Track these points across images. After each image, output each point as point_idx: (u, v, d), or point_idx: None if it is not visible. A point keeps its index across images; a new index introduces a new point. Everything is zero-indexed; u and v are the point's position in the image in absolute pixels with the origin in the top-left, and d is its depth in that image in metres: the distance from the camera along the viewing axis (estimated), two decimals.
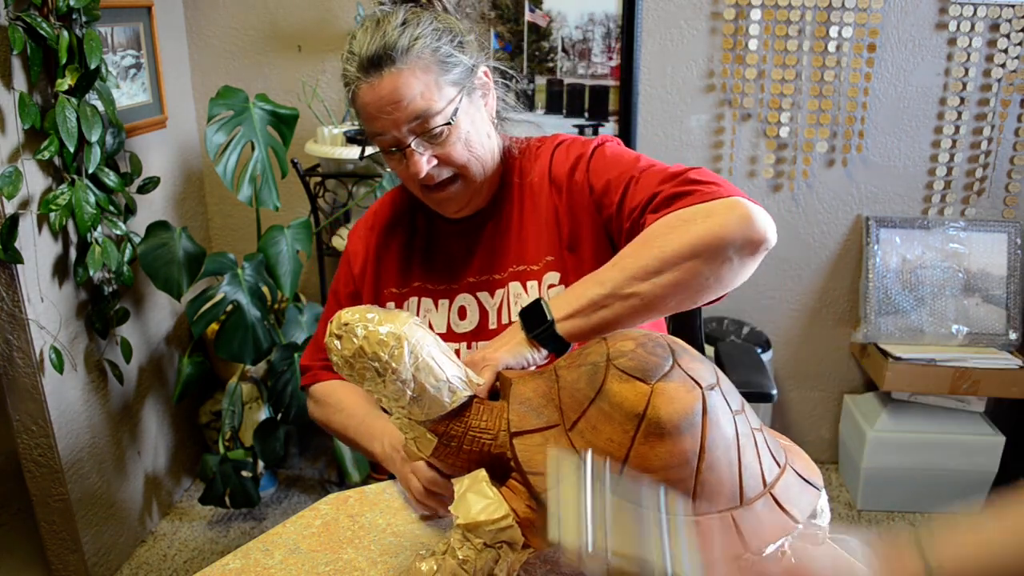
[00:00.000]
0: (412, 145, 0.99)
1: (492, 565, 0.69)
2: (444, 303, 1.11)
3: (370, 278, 1.17)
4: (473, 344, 1.07)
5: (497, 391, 0.81)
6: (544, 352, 0.86)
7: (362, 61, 0.96)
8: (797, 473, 0.75)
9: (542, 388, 0.74)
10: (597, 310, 0.84)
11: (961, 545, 0.65)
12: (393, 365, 0.68)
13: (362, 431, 1.09)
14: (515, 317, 0.99)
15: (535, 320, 0.85)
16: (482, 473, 0.72)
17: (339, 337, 0.70)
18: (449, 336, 1.08)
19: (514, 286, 1.07)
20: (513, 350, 0.84)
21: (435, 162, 1.01)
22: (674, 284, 0.84)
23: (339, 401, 1.15)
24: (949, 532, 0.66)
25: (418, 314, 1.11)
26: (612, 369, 0.70)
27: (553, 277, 1.05)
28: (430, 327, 1.08)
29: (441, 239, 1.14)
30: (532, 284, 1.06)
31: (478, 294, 1.10)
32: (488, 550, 0.68)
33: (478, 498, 0.69)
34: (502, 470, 0.73)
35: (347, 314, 0.70)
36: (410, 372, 0.69)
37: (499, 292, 1.08)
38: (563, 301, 0.86)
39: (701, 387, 0.70)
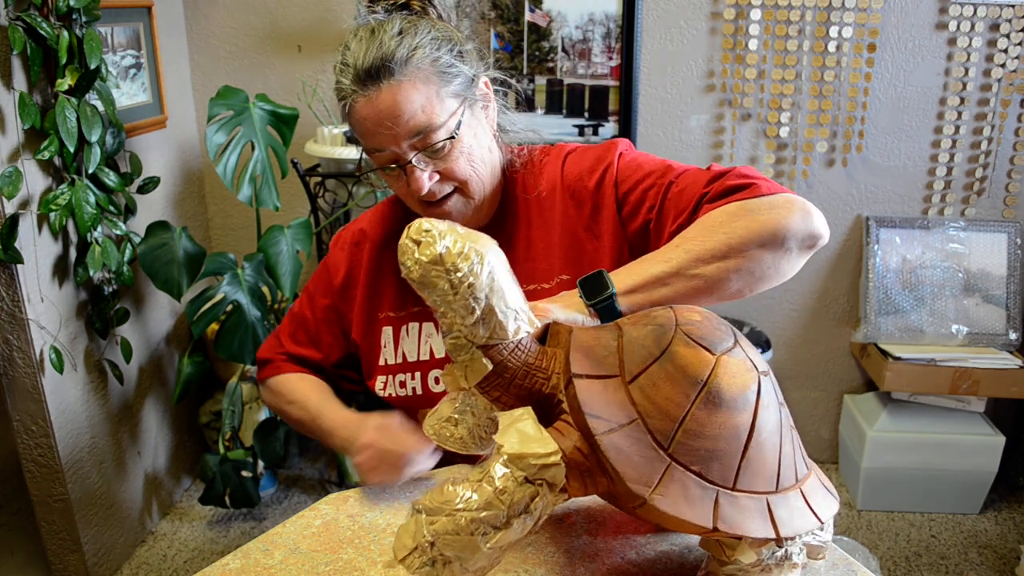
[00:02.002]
0: (413, 161, 0.95)
1: (528, 502, 0.66)
2: None
3: (360, 299, 1.12)
4: None
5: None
6: (596, 323, 0.84)
7: (358, 73, 0.92)
8: (819, 479, 0.78)
9: (604, 339, 0.74)
10: (659, 287, 0.83)
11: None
12: (471, 280, 0.67)
13: (315, 428, 1.10)
14: None
15: (595, 290, 0.83)
16: (530, 410, 0.70)
17: (418, 243, 0.67)
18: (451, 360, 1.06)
19: None
20: (567, 309, 0.82)
21: (436, 178, 0.97)
22: (738, 270, 0.84)
23: (291, 392, 1.14)
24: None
25: (420, 340, 1.08)
26: (680, 333, 0.71)
27: None
28: (431, 353, 1.07)
29: None
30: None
31: None
32: (528, 485, 0.66)
33: (527, 431, 0.68)
34: (547, 413, 0.73)
35: (428, 222, 0.68)
36: (485, 291, 0.68)
37: None
38: (624, 274, 0.84)
39: (757, 370, 0.72)
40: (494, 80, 1.06)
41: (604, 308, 0.82)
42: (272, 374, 1.18)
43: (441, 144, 0.95)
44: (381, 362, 1.11)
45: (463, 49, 0.99)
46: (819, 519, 0.72)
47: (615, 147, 1.05)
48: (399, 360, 1.09)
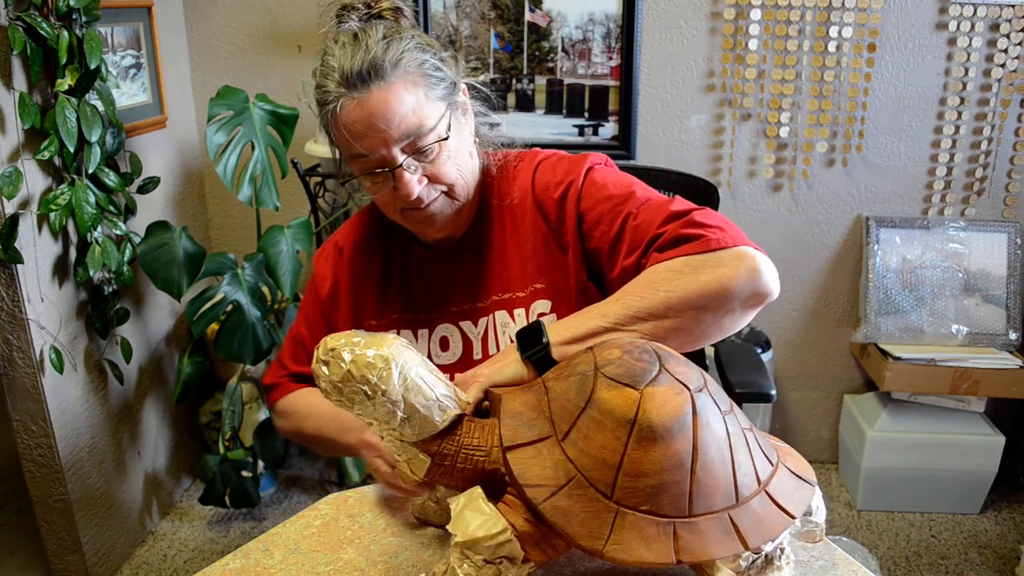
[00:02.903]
0: (403, 164, 0.94)
1: None
2: (424, 334, 1.07)
3: (345, 308, 1.12)
4: (456, 376, 1.04)
5: (486, 411, 0.81)
6: (536, 375, 0.84)
7: (346, 75, 0.91)
8: (790, 470, 0.76)
9: (532, 401, 0.75)
10: (593, 341, 0.83)
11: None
12: (382, 387, 0.69)
13: (334, 426, 1.04)
14: (502, 347, 0.99)
15: (531, 342, 0.84)
16: (478, 490, 0.72)
17: (326, 363, 0.69)
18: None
19: (500, 315, 1.04)
20: (504, 369, 0.83)
21: (425, 182, 0.96)
22: (676, 329, 0.84)
23: (307, 406, 1.10)
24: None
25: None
26: (600, 377, 0.71)
27: (543, 305, 1.02)
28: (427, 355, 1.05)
29: (418, 266, 1.10)
30: (519, 312, 1.03)
31: (461, 323, 1.06)
32: (488, 566, 0.68)
33: (475, 515, 0.69)
34: (497, 486, 0.73)
35: (332, 340, 0.70)
36: (399, 393, 0.70)
37: (483, 321, 1.05)
38: (562, 327, 0.85)
39: (689, 389, 0.71)
40: (470, 88, 1.06)
41: (539, 360, 0.83)
42: (281, 396, 1.16)
43: (431, 147, 0.94)
44: None
45: (443, 56, 0.99)
46: (791, 516, 0.72)
47: (584, 161, 1.04)
48: None
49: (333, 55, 0.93)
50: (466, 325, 1.06)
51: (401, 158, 0.94)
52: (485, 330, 1.05)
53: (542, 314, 1.02)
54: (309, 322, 1.15)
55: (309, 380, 1.15)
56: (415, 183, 0.95)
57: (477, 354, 1.05)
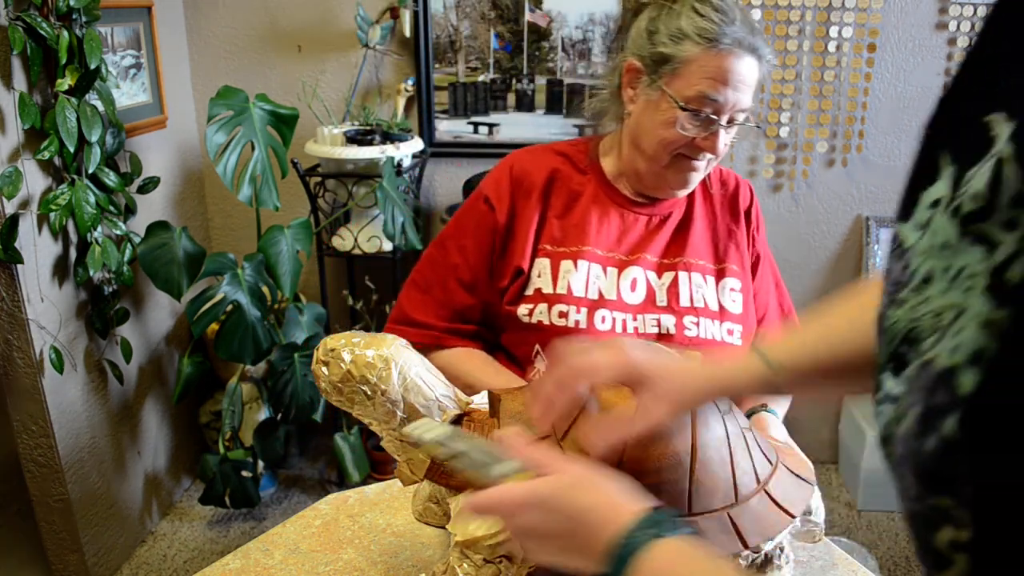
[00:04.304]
0: (724, 124, 1.06)
1: None
2: (613, 271, 1.13)
3: (523, 232, 1.15)
4: (639, 316, 1.10)
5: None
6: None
7: (740, 31, 1.03)
8: (789, 470, 0.76)
9: (531, 401, 0.75)
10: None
11: (789, 345, 0.71)
12: (382, 387, 0.69)
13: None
14: (686, 303, 1.11)
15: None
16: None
17: (326, 363, 0.70)
18: (618, 305, 1.10)
19: (695, 276, 1.14)
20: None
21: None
22: None
23: (467, 374, 1.10)
24: (781, 337, 0.72)
25: (588, 279, 1.11)
26: None
27: (735, 283, 1.15)
28: (599, 294, 1.10)
29: (616, 209, 1.17)
30: (710, 279, 1.14)
31: (647, 272, 1.14)
32: (488, 565, 0.68)
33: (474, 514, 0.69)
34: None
35: (332, 340, 0.71)
36: (399, 393, 0.70)
37: (668, 275, 1.14)
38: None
39: None
40: None
41: None
42: (429, 342, 1.15)
43: (742, 124, 1.09)
44: (530, 291, 1.12)
45: None
46: (790, 515, 0.72)
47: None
48: (564, 291, 1.11)
49: (731, 7, 1.05)
50: (651, 275, 1.14)
51: (725, 119, 1.07)
52: (673, 282, 1.14)
53: (733, 289, 1.15)
54: (466, 252, 1.17)
55: (465, 336, 1.17)
56: (722, 143, 1.08)
57: (660, 301, 1.13)
